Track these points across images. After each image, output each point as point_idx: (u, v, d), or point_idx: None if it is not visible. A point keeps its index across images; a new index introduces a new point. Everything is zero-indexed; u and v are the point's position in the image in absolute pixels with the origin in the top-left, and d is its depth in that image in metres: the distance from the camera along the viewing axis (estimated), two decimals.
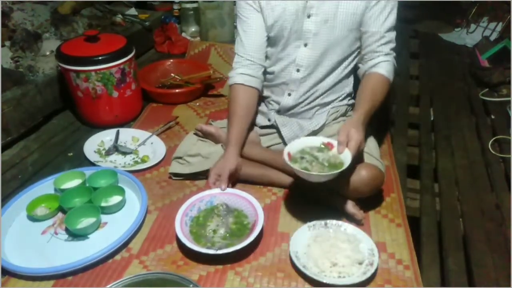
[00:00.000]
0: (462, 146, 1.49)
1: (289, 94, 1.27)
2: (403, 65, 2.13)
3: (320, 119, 1.27)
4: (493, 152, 1.43)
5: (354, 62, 1.24)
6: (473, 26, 2.40)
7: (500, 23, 2.27)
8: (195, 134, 1.33)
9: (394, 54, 1.19)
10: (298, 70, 1.22)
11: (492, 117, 1.67)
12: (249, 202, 1.11)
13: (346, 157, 0.99)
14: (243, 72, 1.22)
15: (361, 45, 1.20)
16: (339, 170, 0.97)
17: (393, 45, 1.18)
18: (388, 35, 1.15)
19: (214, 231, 1.05)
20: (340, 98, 1.30)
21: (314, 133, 1.25)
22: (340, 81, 1.26)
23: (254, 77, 1.23)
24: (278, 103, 1.30)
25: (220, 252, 0.96)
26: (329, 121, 1.28)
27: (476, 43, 2.21)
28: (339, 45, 1.17)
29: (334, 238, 1.01)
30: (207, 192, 1.14)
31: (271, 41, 1.22)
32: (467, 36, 2.39)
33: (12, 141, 1.42)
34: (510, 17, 2.14)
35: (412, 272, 0.97)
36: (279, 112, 1.31)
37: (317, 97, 1.27)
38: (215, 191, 1.14)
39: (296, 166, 0.99)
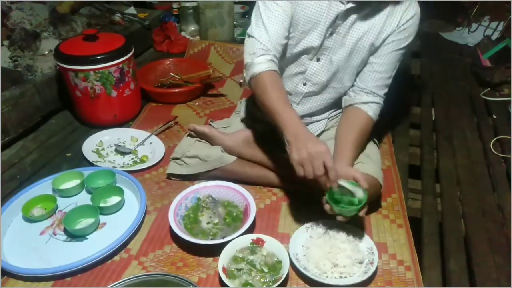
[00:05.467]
0: (463, 146, 1.48)
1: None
2: (404, 64, 2.12)
3: (319, 125, 1.26)
4: (495, 152, 1.43)
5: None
6: (474, 25, 2.39)
7: (502, 22, 2.26)
8: (189, 135, 1.31)
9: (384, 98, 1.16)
10: (304, 84, 1.17)
11: (494, 117, 1.65)
12: (233, 189, 1.14)
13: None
14: (272, 59, 1.04)
15: (360, 74, 1.14)
16: None
17: (386, 90, 1.15)
18: (388, 81, 1.14)
19: (209, 223, 1.06)
20: (341, 109, 1.27)
21: None
22: (342, 95, 1.22)
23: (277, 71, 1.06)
24: None
25: (227, 239, 0.97)
26: (328, 127, 1.26)
27: (477, 42, 2.19)
28: (350, 69, 1.14)
29: (333, 238, 1.00)
30: (189, 189, 1.14)
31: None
32: (469, 35, 2.37)
33: (10, 141, 1.41)
34: (511, 17, 2.13)
35: (413, 273, 0.97)
36: None
37: (319, 111, 1.24)
38: (197, 186, 1.14)
39: (235, 286, 0.89)
